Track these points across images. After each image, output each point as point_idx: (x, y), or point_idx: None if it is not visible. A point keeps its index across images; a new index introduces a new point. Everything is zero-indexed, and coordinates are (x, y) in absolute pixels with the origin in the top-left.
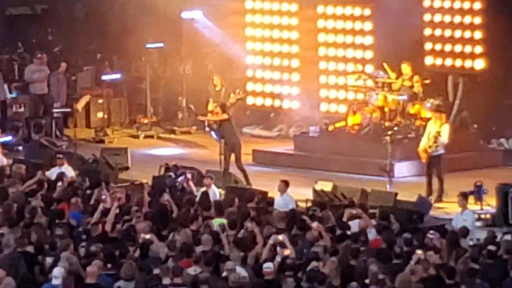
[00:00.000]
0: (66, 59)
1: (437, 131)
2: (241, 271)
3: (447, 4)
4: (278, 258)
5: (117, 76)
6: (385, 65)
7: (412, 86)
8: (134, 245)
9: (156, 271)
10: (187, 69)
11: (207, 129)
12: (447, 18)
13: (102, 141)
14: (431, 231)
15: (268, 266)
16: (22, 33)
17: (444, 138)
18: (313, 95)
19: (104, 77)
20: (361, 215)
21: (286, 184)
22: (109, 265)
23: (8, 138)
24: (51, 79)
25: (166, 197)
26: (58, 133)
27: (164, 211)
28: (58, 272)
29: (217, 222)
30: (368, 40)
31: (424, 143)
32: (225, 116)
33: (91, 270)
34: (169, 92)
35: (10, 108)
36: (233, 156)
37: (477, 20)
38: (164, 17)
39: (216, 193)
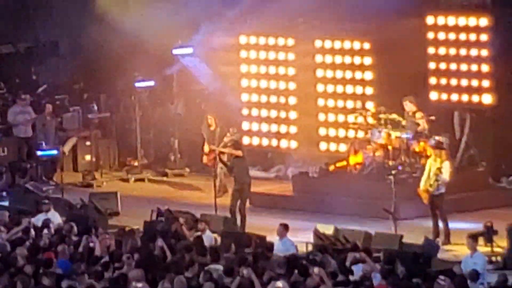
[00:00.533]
0: (51, 99)
1: (437, 168)
2: None
3: (452, 36)
4: None
5: (105, 115)
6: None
7: (416, 123)
8: None
9: None
10: (179, 109)
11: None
12: (453, 51)
13: (91, 185)
14: (441, 277)
15: None
16: (4, 72)
17: (446, 175)
18: (312, 134)
19: (91, 116)
20: (365, 259)
21: (285, 228)
22: None
23: None
24: (37, 123)
25: (160, 242)
26: (44, 177)
27: (157, 257)
28: None
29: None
30: (368, 75)
31: (424, 182)
32: (239, 152)
33: None
34: (160, 133)
35: None
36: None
37: (484, 52)
38: (154, 54)
39: (211, 238)
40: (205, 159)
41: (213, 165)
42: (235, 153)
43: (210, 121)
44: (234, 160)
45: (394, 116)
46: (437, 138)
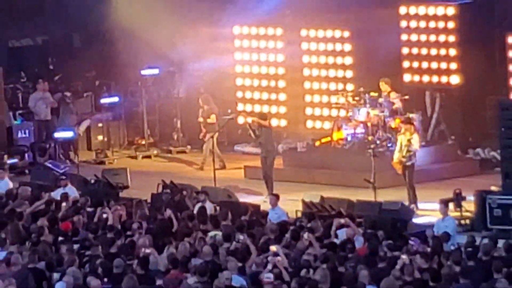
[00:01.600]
0: (66, 86)
1: (407, 140)
2: (240, 280)
3: (422, 24)
4: (269, 266)
5: (115, 99)
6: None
7: (392, 102)
8: (134, 259)
9: (159, 282)
10: (180, 93)
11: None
12: (423, 37)
13: (103, 163)
14: (412, 238)
15: (268, 276)
16: (24, 63)
17: (416, 146)
18: (299, 113)
19: (102, 101)
20: (349, 224)
21: (277, 197)
22: (105, 279)
23: (15, 161)
24: (60, 109)
25: (168, 212)
26: (61, 156)
27: (164, 226)
28: (60, 287)
29: (212, 235)
30: (348, 60)
31: (397, 155)
32: (266, 123)
33: (94, 284)
34: (164, 115)
35: (15, 134)
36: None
37: (451, 38)
38: (157, 45)
39: (211, 207)
40: (201, 135)
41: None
42: (262, 123)
43: (201, 102)
44: (262, 129)
45: (372, 94)
46: (411, 115)
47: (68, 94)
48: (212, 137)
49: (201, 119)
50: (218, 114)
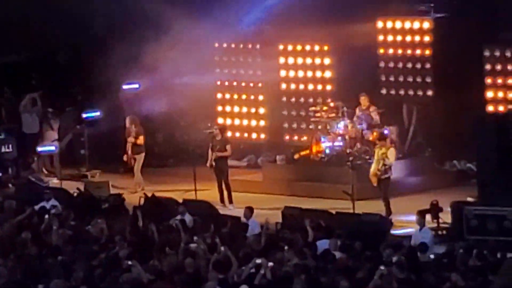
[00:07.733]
0: (51, 101)
1: (382, 153)
2: None
3: (399, 38)
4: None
5: (96, 114)
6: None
7: (369, 115)
8: (117, 272)
9: None
10: (162, 107)
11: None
12: (399, 51)
13: (85, 176)
14: (387, 250)
15: None
16: (8, 79)
17: (391, 160)
18: (278, 127)
19: (84, 115)
20: (327, 236)
21: (251, 210)
22: None
23: None
24: (43, 125)
25: (151, 226)
26: (44, 170)
27: (146, 238)
28: None
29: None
30: (328, 74)
31: (373, 168)
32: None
33: None
34: (146, 128)
35: None
36: None
37: (427, 52)
38: (138, 59)
39: (190, 219)
40: (125, 157)
41: (131, 163)
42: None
43: (128, 123)
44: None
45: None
46: (389, 128)
47: (50, 110)
48: (135, 159)
49: (132, 139)
50: (144, 135)
